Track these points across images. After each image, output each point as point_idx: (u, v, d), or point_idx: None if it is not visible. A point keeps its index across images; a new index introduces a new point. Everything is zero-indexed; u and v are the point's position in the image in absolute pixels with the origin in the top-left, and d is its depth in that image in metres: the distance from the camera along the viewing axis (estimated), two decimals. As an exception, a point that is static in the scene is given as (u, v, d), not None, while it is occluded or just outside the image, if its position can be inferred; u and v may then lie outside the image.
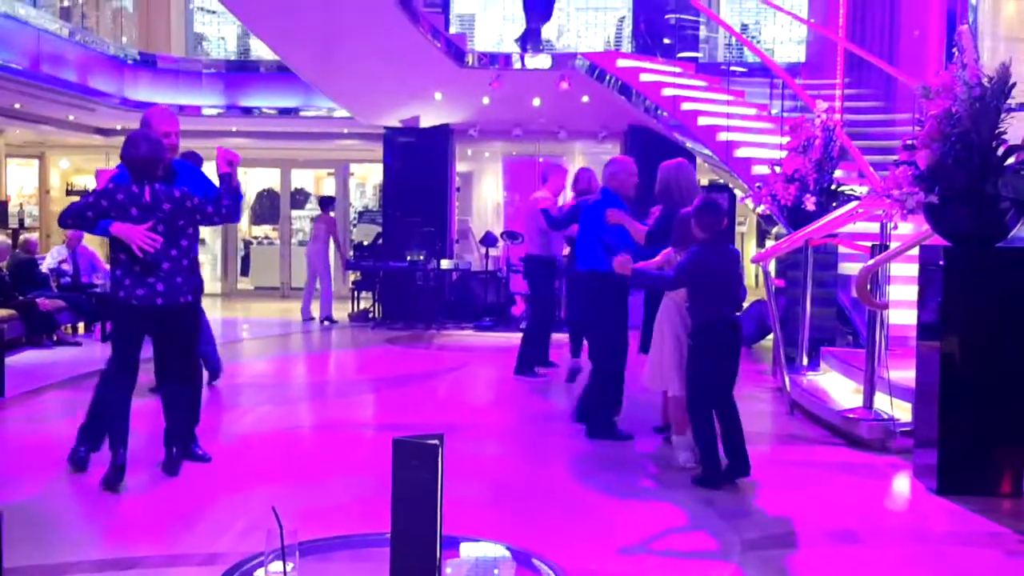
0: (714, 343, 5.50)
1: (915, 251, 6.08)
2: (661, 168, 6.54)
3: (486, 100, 12.69)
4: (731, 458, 5.48)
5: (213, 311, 14.47)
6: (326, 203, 14.54)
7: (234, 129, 15.53)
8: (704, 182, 14.45)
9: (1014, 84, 5.18)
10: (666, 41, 13.21)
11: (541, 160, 14.75)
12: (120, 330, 5.36)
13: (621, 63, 11.90)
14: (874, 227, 7.35)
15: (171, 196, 5.15)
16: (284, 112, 14.83)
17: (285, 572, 2.31)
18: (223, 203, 5.24)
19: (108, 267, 12.86)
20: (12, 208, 16.26)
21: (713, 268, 5.50)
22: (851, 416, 6.64)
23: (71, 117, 14.94)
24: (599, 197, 6.91)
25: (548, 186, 9.25)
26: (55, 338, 10.68)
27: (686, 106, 11.18)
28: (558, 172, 9.71)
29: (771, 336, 8.84)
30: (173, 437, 5.42)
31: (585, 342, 7.48)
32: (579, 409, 6.96)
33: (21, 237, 12.80)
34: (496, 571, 2.76)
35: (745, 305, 11.62)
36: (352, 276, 14.58)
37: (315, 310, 13.53)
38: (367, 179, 18.72)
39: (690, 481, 5.43)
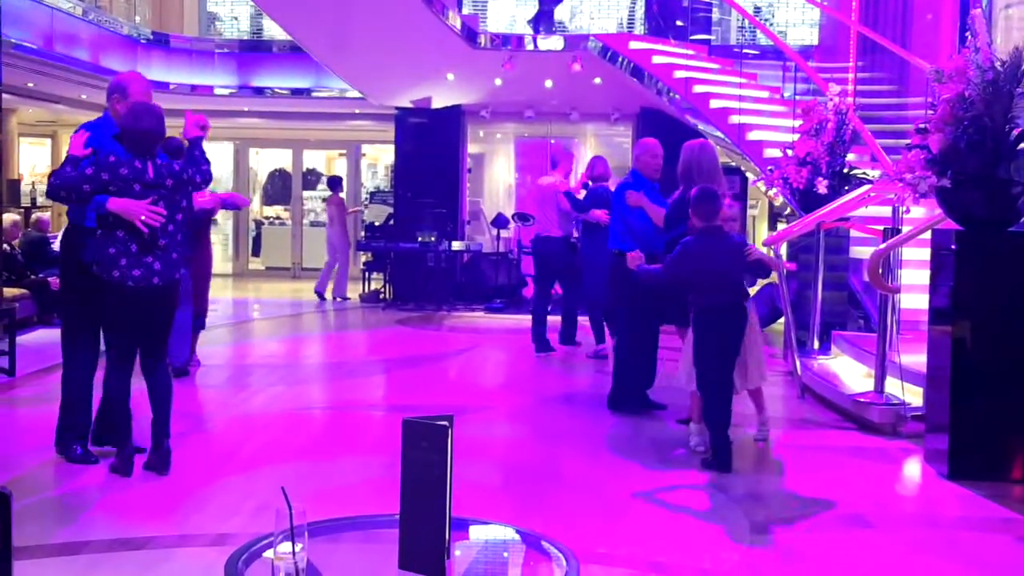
0: (713, 326, 5.49)
1: (927, 235, 6.06)
2: (684, 148, 6.37)
3: (498, 81, 12.65)
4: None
5: (225, 291, 14.55)
6: (335, 183, 14.62)
7: (246, 109, 15.53)
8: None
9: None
10: (679, 23, 13.14)
11: (553, 142, 14.70)
12: (116, 315, 4.99)
13: (633, 45, 11.84)
14: (886, 211, 7.31)
15: (173, 171, 4.98)
16: (296, 92, 14.81)
17: (294, 552, 2.30)
18: (203, 169, 5.11)
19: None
20: (24, 187, 16.28)
21: (702, 261, 5.45)
22: (862, 400, 6.62)
23: (84, 96, 14.93)
24: (630, 179, 6.93)
25: (559, 170, 9.59)
26: (67, 317, 10.71)
27: (698, 88, 11.13)
28: (567, 156, 10.14)
29: (782, 319, 8.82)
30: (165, 430, 5.08)
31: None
32: (612, 396, 6.90)
33: (33, 216, 12.83)
34: (505, 554, 2.76)
35: (756, 288, 11.61)
36: (363, 257, 14.60)
37: (327, 292, 13.66)
38: (379, 160, 18.72)
39: (701, 465, 5.43)
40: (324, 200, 15.16)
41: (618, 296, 6.98)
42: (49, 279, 10.42)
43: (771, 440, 6.09)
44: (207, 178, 5.19)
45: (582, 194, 9.06)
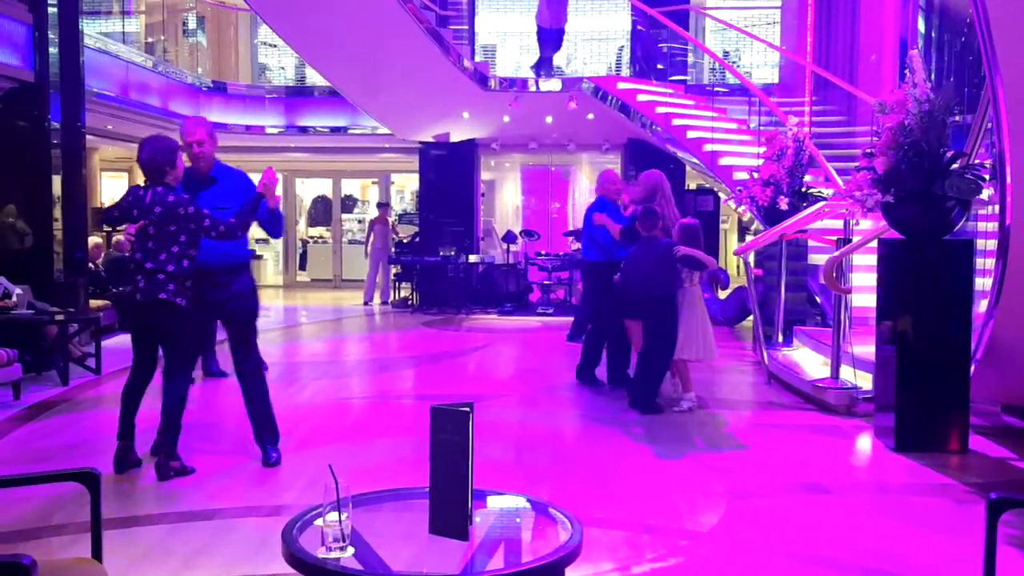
0: (652, 311, 6.26)
1: (874, 244, 6.05)
2: (650, 176, 6.96)
3: (506, 118, 12.67)
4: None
5: (276, 300, 14.59)
6: (382, 206, 15.02)
7: (292, 145, 15.58)
8: (692, 186, 14.40)
9: (958, 100, 5.14)
10: (659, 66, 13.14)
11: (553, 169, 14.73)
12: (123, 325, 4.91)
13: (621, 85, 11.85)
14: (839, 224, 7.31)
15: (164, 201, 4.55)
16: (335, 130, 14.85)
17: (340, 521, 2.32)
18: (227, 222, 4.61)
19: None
20: (106, 214, 16.37)
21: (643, 259, 6.34)
22: (820, 385, 6.62)
23: (155, 136, 15.00)
24: (597, 204, 7.37)
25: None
26: (144, 324, 10.73)
27: (677, 122, 11.13)
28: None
29: (751, 317, 8.80)
30: (163, 438, 4.72)
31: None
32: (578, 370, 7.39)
33: (114, 238, 12.88)
34: (518, 519, 2.77)
35: (729, 291, 11.60)
36: (394, 269, 14.67)
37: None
38: (405, 187, 18.74)
39: (682, 439, 5.44)
40: (371, 220, 15.25)
41: (590, 295, 7.49)
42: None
43: (743, 419, 6.09)
44: (223, 232, 4.63)
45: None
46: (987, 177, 5.19)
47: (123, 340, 9.84)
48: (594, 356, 7.33)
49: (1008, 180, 5.01)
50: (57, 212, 8.48)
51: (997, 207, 5.30)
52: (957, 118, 5.37)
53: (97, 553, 2.63)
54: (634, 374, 6.59)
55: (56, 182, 8.45)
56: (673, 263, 6.26)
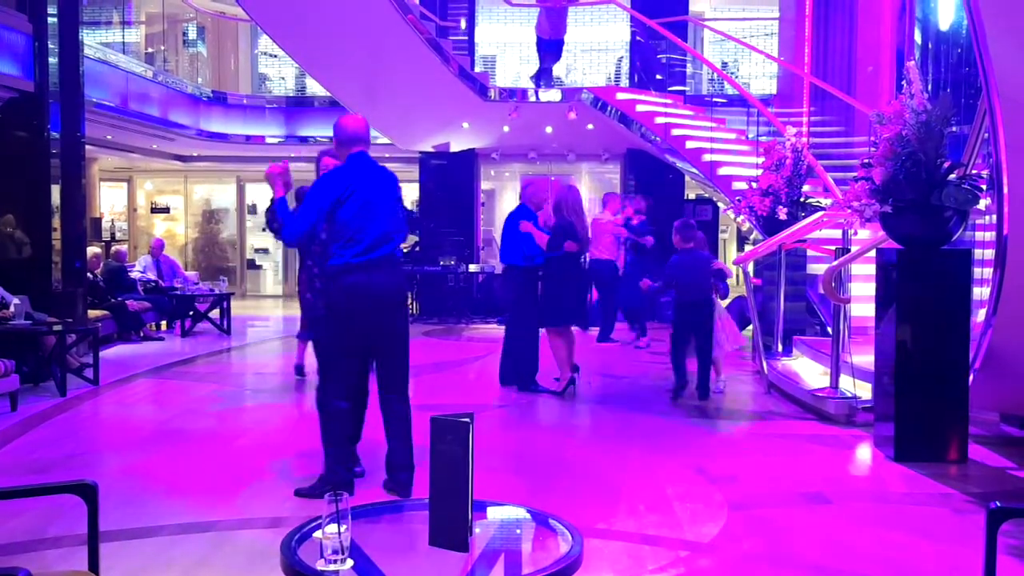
0: (705, 314, 7.26)
1: (872, 253, 6.06)
2: (556, 189, 7.52)
3: (506, 128, 12.69)
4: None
5: (275, 310, 14.57)
6: None
7: (292, 155, 15.58)
8: (692, 196, 14.42)
9: (955, 111, 5.15)
10: (658, 77, 13.18)
11: (553, 179, 14.72)
12: None
13: (620, 96, 11.87)
14: (837, 233, 7.33)
15: None
16: (334, 141, 14.87)
17: (340, 533, 2.31)
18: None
19: (187, 274, 12.97)
20: (105, 224, 16.37)
21: (690, 268, 7.21)
22: (820, 395, 6.62)
23: (154, 146, 15.04)
24: (520, 211, 7.66)
25: (609, 208, 10.74)
26: (142, 334, 10.76)
27: (676, 132, 11.15)
28: (614, 197, 11.21)
29: (751, 327, 8.80)
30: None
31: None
32: (501, 374, 7.72)
33: (112, 248, 12.89)
34: (518, 531, 2.76)
35: (728, 301, 11.60)
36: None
37: None
38: (406, 196, 18.73)
39: (682, 449, 5.43)
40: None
41: (509, 300, 7.72)
42: (127, 301, 10.47)
43: (743, 429, 6.09)
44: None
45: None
46: (984, 187, 5.20)
47: (121, 351, 9.88)
48: (533, 362, 7.55)
49: (1005, 190, 5.02)
50: (56, 222, 8.47)
51: (995, 217, 5.30)
52: (954, 129, 5.37)
53: (94, 566, 2.62)
54: (698, 369, 7.21)
55: (55, 192, 8.46)
56: (709, 272, 7.27)
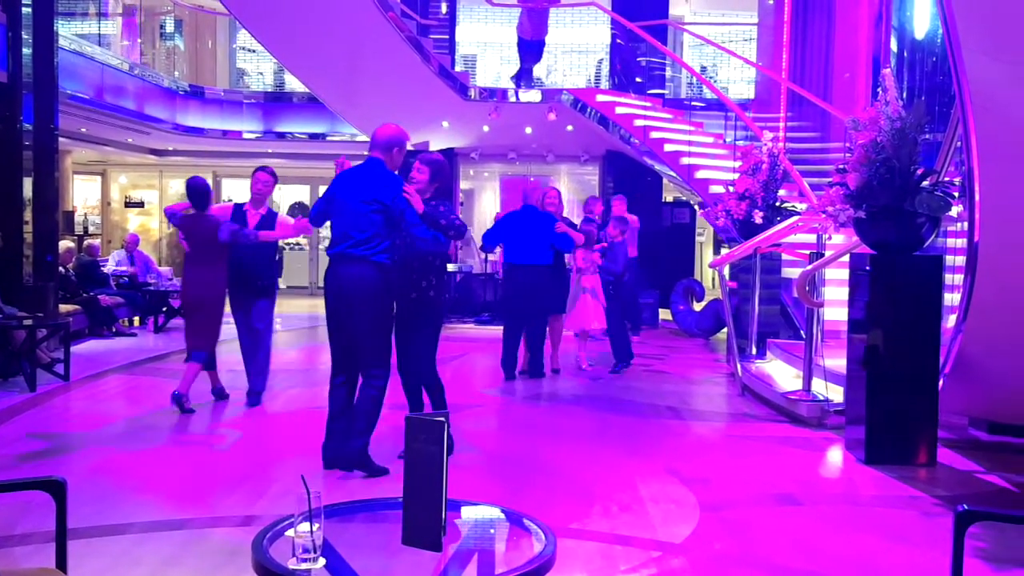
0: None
1: (846, 258, 6.11)
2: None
3: (486, 128, 12.69)
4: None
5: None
6: None
7: (270, 151, 15.51)
8: (669, 199, 14.49)
9: (929, 119, 5.21)
10: (638, 80, 13.24)
11: (532, 179, 14.74)
12: None
13: (600, 98, 11.91)
14: (812, 238, 7.39)
15: None
16: (313, 137, 14.81)
17: (312, 531, 2.30)
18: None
19: (160, 269, 12.86)
20: (78, 217, 16.21)
21: None
22: (792, 397, 6.67)
23: (130, 139, 14.90)
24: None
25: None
26: (114, 330, 10.65)
27: (654, 135, 11.20)
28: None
29: (725, 329, 8.85)
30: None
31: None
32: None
33: (85, 242, 12.77)
34: (492, 530, 2.76)
35: (703, 303, 11.67)
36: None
37: None
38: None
39: (656, 450, 5.45)
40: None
41: (549, 298, 8.24)
42: (99, 296, 10.36)
43: (716, 431, 6.12)
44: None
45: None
46: (956, 194, 5.26)
47: (93, 346, 9.77)
48: (541, 351, 8.20)
49: (977, 197, 5.08)
50: (28, 215, 8.38)
51: (966, 224, 5.36)
52: (928, 136, 5.45)
53: (62, 563, 2.59)
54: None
55: (27, 184, 8.36)
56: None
